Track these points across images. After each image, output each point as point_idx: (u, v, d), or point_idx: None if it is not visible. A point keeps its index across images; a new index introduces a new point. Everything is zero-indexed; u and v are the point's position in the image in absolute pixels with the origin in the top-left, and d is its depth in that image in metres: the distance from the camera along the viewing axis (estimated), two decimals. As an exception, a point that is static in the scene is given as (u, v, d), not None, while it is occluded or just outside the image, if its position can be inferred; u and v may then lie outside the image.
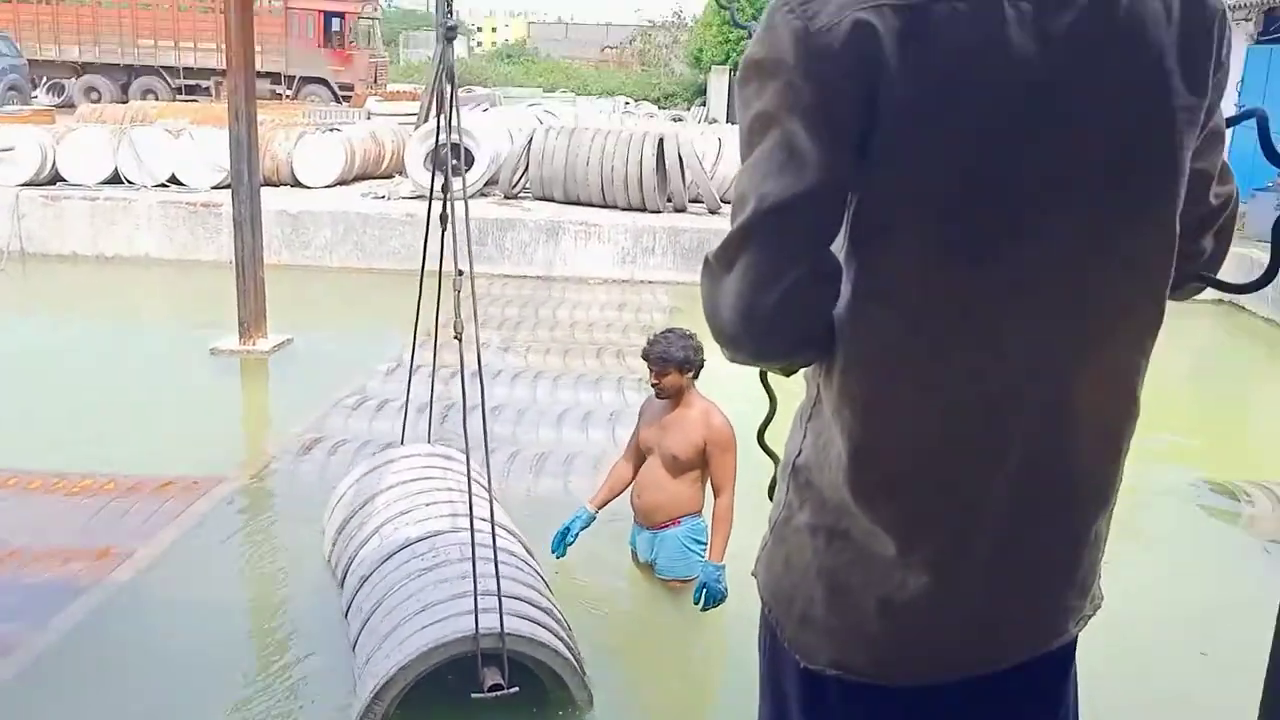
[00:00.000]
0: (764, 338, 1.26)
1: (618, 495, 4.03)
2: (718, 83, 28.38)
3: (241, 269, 7.27)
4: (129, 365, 7.24)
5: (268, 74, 23.11)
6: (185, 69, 24.55)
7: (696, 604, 3.64)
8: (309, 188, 11.64)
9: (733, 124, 18.22)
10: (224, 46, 7.27)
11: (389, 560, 3.49)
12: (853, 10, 1.12)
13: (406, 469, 4.14)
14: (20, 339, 8.09)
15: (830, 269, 1.23)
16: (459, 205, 3.64)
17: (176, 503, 4.67)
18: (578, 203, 11.04)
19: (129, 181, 11.14)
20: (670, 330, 3.89)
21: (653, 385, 3.83)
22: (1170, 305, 1.32)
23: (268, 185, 10.26)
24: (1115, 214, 1.20)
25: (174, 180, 11.14)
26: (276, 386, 6.97)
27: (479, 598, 2.98)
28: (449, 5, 3.86)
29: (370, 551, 3.63)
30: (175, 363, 7.28)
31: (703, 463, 3.80)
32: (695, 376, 3.82)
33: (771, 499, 1.50)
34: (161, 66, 24.60)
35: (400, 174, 12.13)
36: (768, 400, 1.72)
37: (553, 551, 3.88)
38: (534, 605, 3.23)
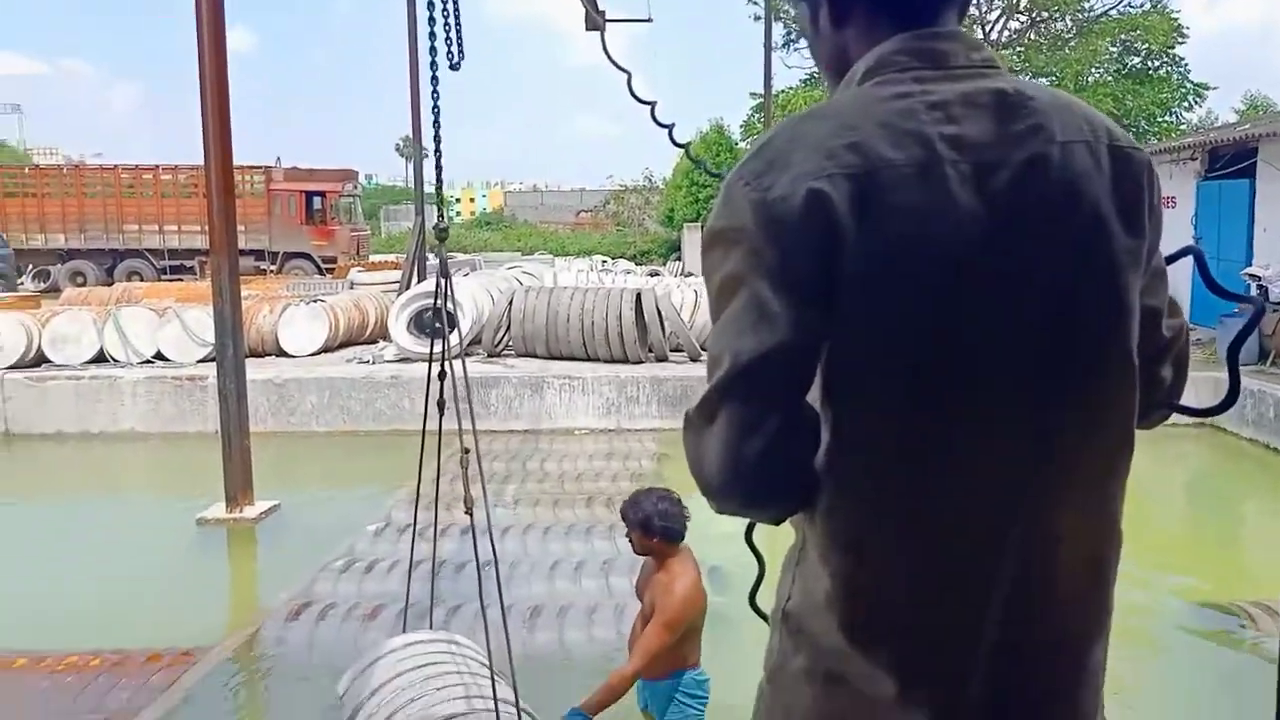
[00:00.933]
0: (750, 487, 1.27)
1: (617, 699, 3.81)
2: (691, 238, 29.22)
3: (228, 439, 7.27)
4: (115, 540, 7.14)
5: (252, 251, 23.61)
6: (170, 250, 25.07)
7: None
8: (294, 356, 11.76)
9: (708, 276, 18.66)
10: (208, 229, 7.47)
11: None
12: (806, 181, 1.20)
13: (409, 656, 4.09)
14: (5, 520, 8.00)
15: (809, 416, 1.26)
16: (457, 382, 3.76)
17: (164, 676, 4.54)
18: (560, 357, 11.19)
19: (114, 360, 11.24)
20: (648, 491, 3.81)
21: (629, 540, 3.81)
22: (1156, 431, 1.36)
23: (253, 356, 10.37)
24: (1071, 356, 1.26)
25: (160, 356, 11.24)
26: (264, 553, 6.88)
27: None
28: (440, 207, 4.05)
29: None
30: (162, 535, 7.19)
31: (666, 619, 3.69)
32: (668, 540, 3.68)
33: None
34: (146, 249, 25.12)
35: (384, 339, 12.30)
36: (756, 562, 1.73)
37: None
38: None
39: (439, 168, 4.22)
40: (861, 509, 1.26)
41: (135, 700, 4.32)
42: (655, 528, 3.66)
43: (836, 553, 1.28)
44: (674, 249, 31.93)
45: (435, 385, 4.04)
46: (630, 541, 3.76)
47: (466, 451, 3.58)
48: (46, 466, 9.85)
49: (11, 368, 10.85)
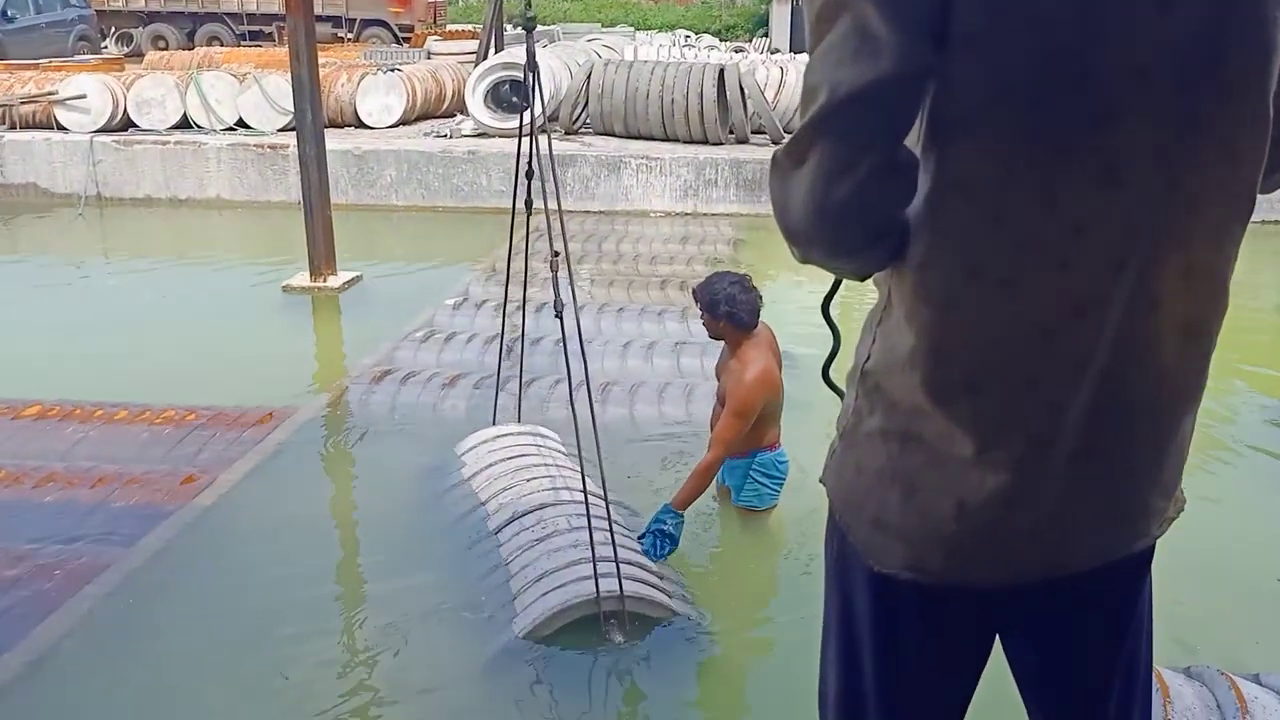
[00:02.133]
0: (837, 233, 1.22)
1: (702, 493, 3.82)
2: (780, 13, 27.78)
3: (309, 209, 7.38)
4: (206, 303, 7.43)
5: (328, 18, 23.15)
6: (248, 15, 24.68)
7: (642, 545, 3.55)
8: (372, 128, 11.72)
9: (795, 54, 17.87)
10: (284, -11, 7.31)
11: (504, 530, 3.70)
12: None
13: (502, 448, 4.29)
14: (101, 280, 8.35)
15: (906, 160, 1.19)
16: (545, 172, 3.74)
17: (255, 431, 4.81)
18: (638, 136, 10.97)
19: (198, 126, 11.32)
20: (721, 274, 3.81)
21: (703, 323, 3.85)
22: (1253, 227, 1.28)
23: (332, 127, 10.35)
24: (1206, 100, 1.16)
25: (241, 124, 11.29)
26: (347, 321, 7.10)
27: (597, 564, 3.17)
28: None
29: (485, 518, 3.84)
30: (250, 300, 7.45)
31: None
32: (735, 326, 3.69)
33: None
34: (225, 13, 24.76)
35: (461, 113, 12.14)
36: (831, 336, 1.69)
37: (654, 559, 3.64)
38: (646, 569, 3.42)
39: None
40: (958, 260, 1.21)
41: (229, 452, 4.59)
42: (721, 311, 3.69)
43: (925, 308, 1.25)
44: (761, 24, 30.48)
45: (523, 183, 3.99)
46: (704, 325, 3.81)
47: (556, 255, 3.56)
48: (137, 230, 10.15)
49: (99, 131, 11.01)
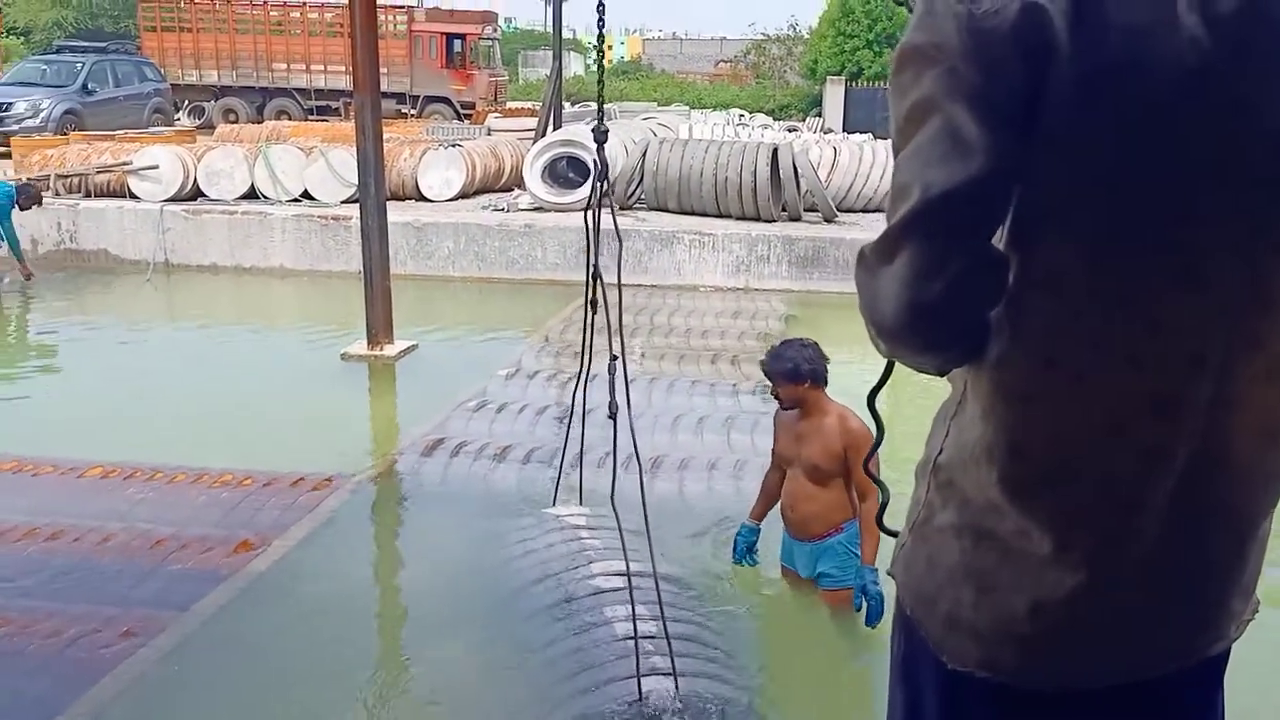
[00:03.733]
0: (929, 332, 1.23)
1: (773, 505, 3.97)
2: (833, 93, 28.16)
3: (369, 278, 7.54)
4: (266, 368, 7.60)
5: (393, 94, 23.88)
6: (316, 90, 25.57)
7: (858, 610, 3.56)
8: (432, 201, 12.00)
9: (848, 134, 18.05)
10: (351, 69, 7.57)
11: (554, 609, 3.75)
12: None
13: (559, 528, 4.36)
14: (166, 344, 8.57)
15: (997, 258, 1.20)
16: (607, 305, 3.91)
17: (310, 498, 4.88)
18: (692, 212, 11.11)
19: (264, 197, 11.67)
20: (788, 341, 3.76)
21: (774, 397, 3.75)
22: None
23: (394, 199, 10.62)
24: None
25: (306, 195, 11.62)
26: (402, 390, 7.21)
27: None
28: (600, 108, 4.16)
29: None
30: (308, 367, 7.60)
31: (845, 469, 3.63)
32: (818, 385, 3.66)
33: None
34: (294, 88, 25.69)
35: (519, 187, 12.40)
36: (875, 429, 1.70)
37: (737, 562, 3.98)
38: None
39: (601, 68, 4.19)
40: (1037, 356, 1.21)
41: (284, 518, 4.65)
42: (804, 372, 3.61)
43: (1002, 403, 1.25)
44: (815, 104, 30.87)
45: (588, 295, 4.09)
46: (777, 398, 3.72)
47: (615, 358, 3.66)
48: (203, 297, 10.43)
49: (170, 200, 11.40)
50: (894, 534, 1.59)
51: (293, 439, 5.82)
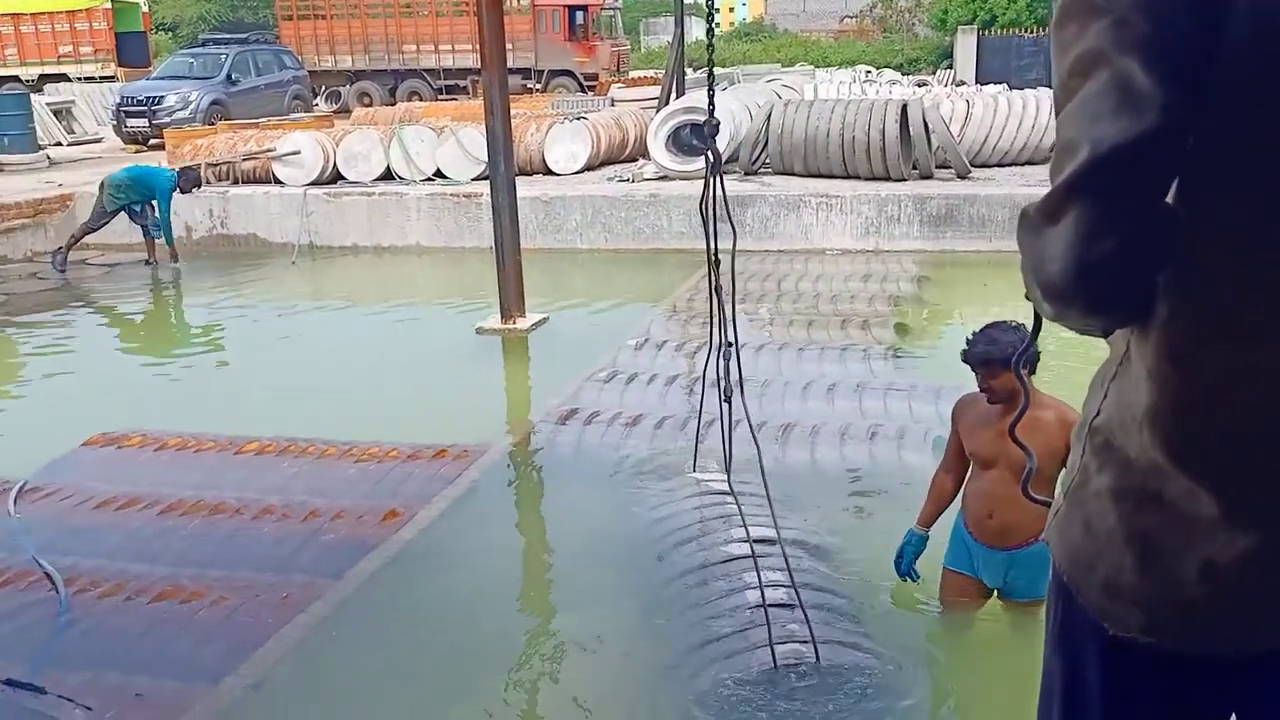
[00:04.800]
0: (1099, 292, 1.19)
1: (944, 510, 3.51)
2: (965, 43, 27.16)
3: (500, 253, 7.72)
4: (405, 344, 7.89)
5: (518, 70, 24.21)
6: (445, 70, 26.13)
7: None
8: (559, 175, 12.15)
9: (981, 86, 17.41)
10: (479, 47, 7.71)
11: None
12: None
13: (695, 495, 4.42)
14: (312, 324, 8.96)
15: (1169, 216, 1.17)
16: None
17: (450, 469, 5.05)
18: (819, 175, 10.94)
19: (399, 177, 12.03)
20: (991, 325, 3.27)
21: (983, 390, 3.23)
22: None
23: (522, 174, 10.79)
24: None
25: (439, 174, 11.92)
26: (535, 362, 7.37)
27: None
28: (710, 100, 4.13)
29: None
30: (446, 341, 7.85)
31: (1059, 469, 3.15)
32: (1032, 371, 3.19)
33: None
34: (424, 69, 26.30)
35: (643, 157, 12.44)
36: (1022, 395, 1.67)
37: (902, 578, 3.53)
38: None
39: (711, 62, 4.15)
40: (1206, 315, 1.19)
41: (428, 489, 4.83)
42: (1028, 356, 2.96)
43: (1169, 364, 1.22)
44: (945, 55, 29.88)
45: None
46: (986, 390, 3.20)
47: (729, 345, 3.62)
48: (345, 276, 10.85)
49: (312, 184, 11.87)
50: (1042, 502, 1.57)
51: (433, 412, 6.02)
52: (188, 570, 4.12)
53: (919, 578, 3.50)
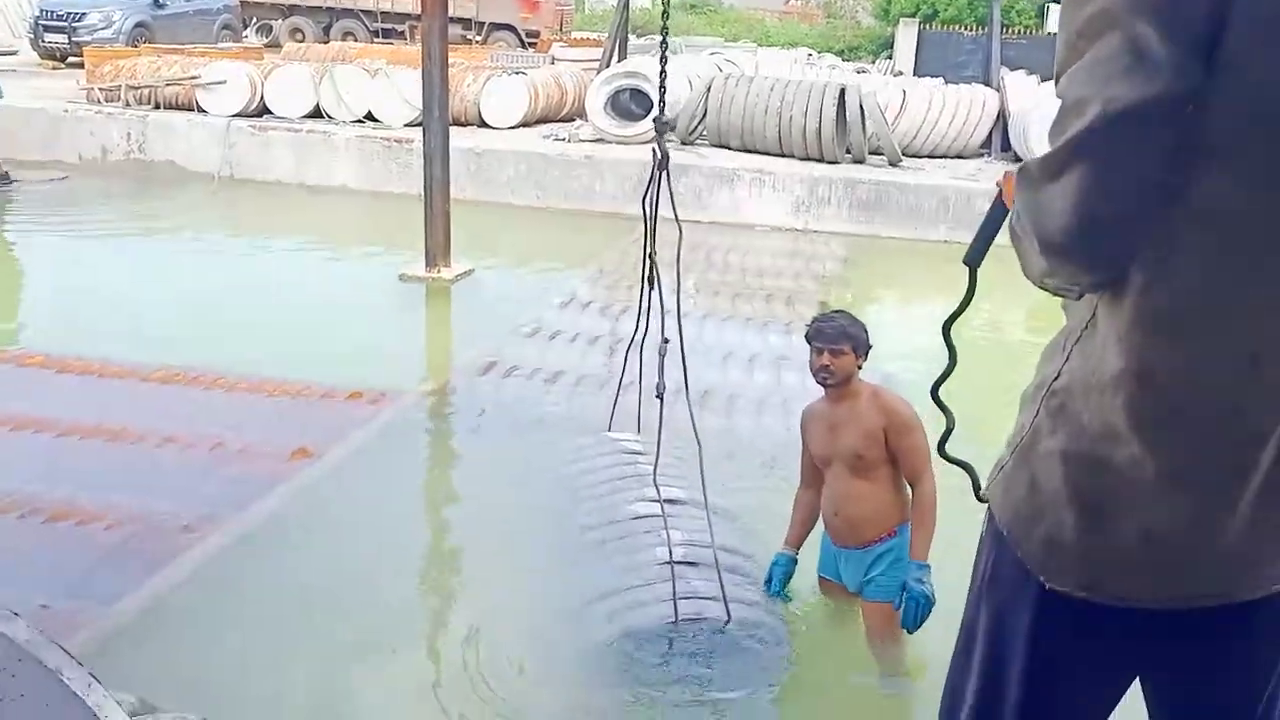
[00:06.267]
0: (1099, 247, 1.22)
1: (811, 527, 3.45)
2: (906, 35, 27.40)
3: (429, 201, 7.60)
4: (326, 285, 7.73)
5: (459, 20, 23.74)
6: (383, 13, 25.46)
7: (896, 609, 3.04)
8: (494, 128, 11.99)
9: (920, 78, 17.64)
10: (420, -10, 7.54)
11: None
12: None
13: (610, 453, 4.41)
14: (229, 257, 8.72)
15: (1170, 179, 1.18)
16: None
17: (365, 411, 4.99)
18: (754, 151, 10.99)
19: (329, 116, 11.74)
20: (837, 311, 3.34)
21: (820, 371, 3.16)
22: None
23: (456, 125, 10.60)
24: None
25: (370, 117, 11.66)
26: (458, 312, 7.29)
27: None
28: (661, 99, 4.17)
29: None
30: (367, 285, 7.71)
31: (890, 455, 3.13)
32: (865, 357, 3.21)
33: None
34: (361, 10, 25.60)
35: (581, 118, 12.34)
36: (948, 356, 1.71)
37: (772, 595, 3.42)
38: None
39: (664, 58, 4.10)
40: (1185, 286, 1.21)
41: (340, 429, 4.77)
42: (866, 341, 3.19)
43: (1140, 331, 1.25)
44: (886, 46, 30.17)
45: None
46: (825, 369, 3.14)
47: (667, 341, 3.71)
48: (266, 212, 10.56)
49: (237, 115, 11.51)
50: (961, 464, 1.60)
51: (349, 354, 5.92)
52: (86, 493, 4.01)
53: (790, 599, 3.42)
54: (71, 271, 8.03)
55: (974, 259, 1.63)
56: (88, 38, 16.63)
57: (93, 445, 4.47)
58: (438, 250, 7.61)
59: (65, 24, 17.16)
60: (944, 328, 1.65)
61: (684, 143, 11.31)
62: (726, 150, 11.12)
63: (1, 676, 1.10)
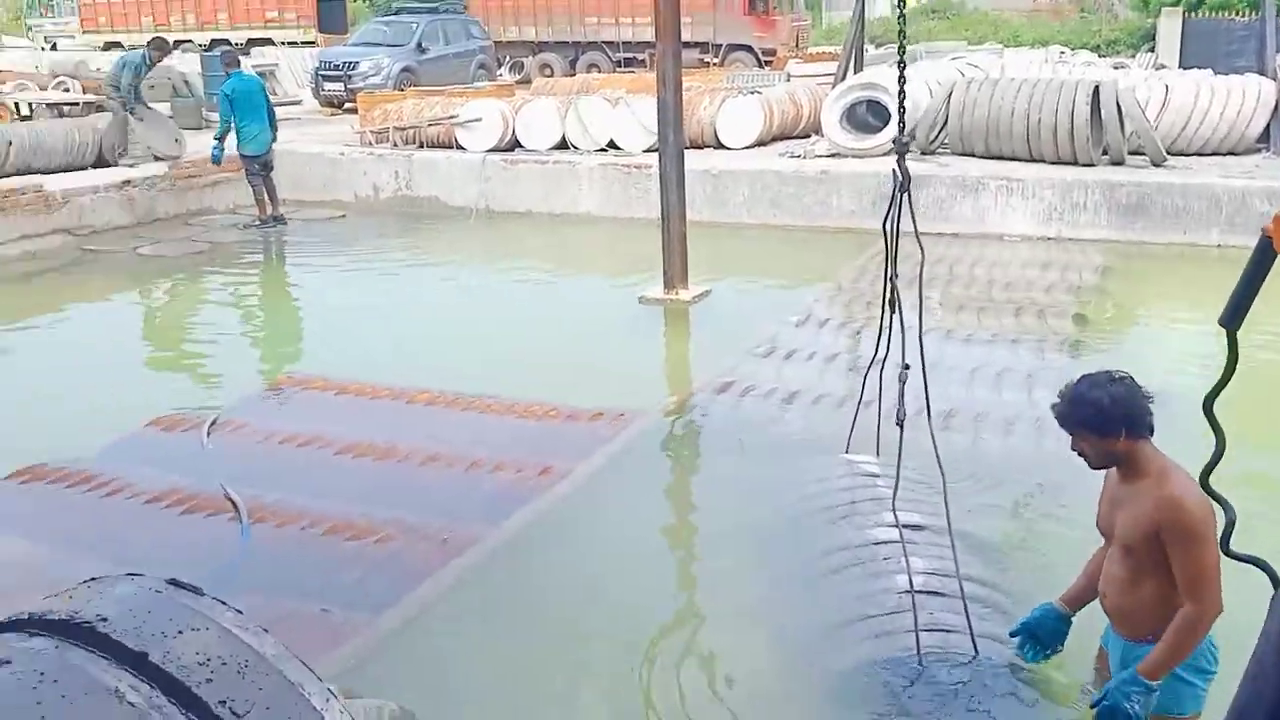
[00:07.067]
0: None
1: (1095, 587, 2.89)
2: (1169, 25, 25.47)
3: (667, 224, 7.77)
4: (571, 309, 8.07)
5: (697, 44, 24.19)
6: (624, 43, 26.37)
7: (1091, 709, 2.67)
8: (730, 149, 12.11)
9: (1186, 69, 16.34)
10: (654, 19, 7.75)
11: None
12: None
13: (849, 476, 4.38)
14: (484, 286, 9.26)
15: None
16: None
17: (607, 430, 5.16)
18: (1000, 157, 10.53)
19: (574, 147, 12.24)
20: (1090, 377, 2.66)
21: (1077, 453, 2.70)
22: None
23: (693, 148, 10.80)
24: None
25: (612, 145, 12.07)
26: (696, 333, 7.41)
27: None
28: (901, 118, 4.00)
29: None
30: (609, 308, 7.98)
31: (1164, 555, 2.53)
32: (1137, 435, 2.56)
33: None
34: (604, 42, 26.62)
35: (816, 133, 12.25)
36: (1215, 439, 1.54)
37: (1027, 662, 3.02)
38: None
39: (902, 73, 3.99)
40: None
41: (584, 449, 4.95)
42: (1116, 419, 2.54)
43: None
44: (1147, 39, 28.13)
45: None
46: (1081, 455, 2.68)
47: (907, 367, 3.63)
48: (518, 241, 11.14)
49: (491, 150, 12.22)
50: (1250, 561, 1.46)
51: (592, 376, 6.14)
52: (357, 508, 4.36)
53: (1041, 659, 2.97)
54: (348, 301, 8.77)
55: (1232, 320, 1.39)
56: (360, 84, 18.15)
57: (364, 463, 4.86)
58: (675, 273, 7.76)
59: (341, 73, 18.82)
60: (1205, 406, 1.48)
61: (924, 152, 11.00)
62: (970, 158, 10.71)
63: (251, 689, 1.24)
